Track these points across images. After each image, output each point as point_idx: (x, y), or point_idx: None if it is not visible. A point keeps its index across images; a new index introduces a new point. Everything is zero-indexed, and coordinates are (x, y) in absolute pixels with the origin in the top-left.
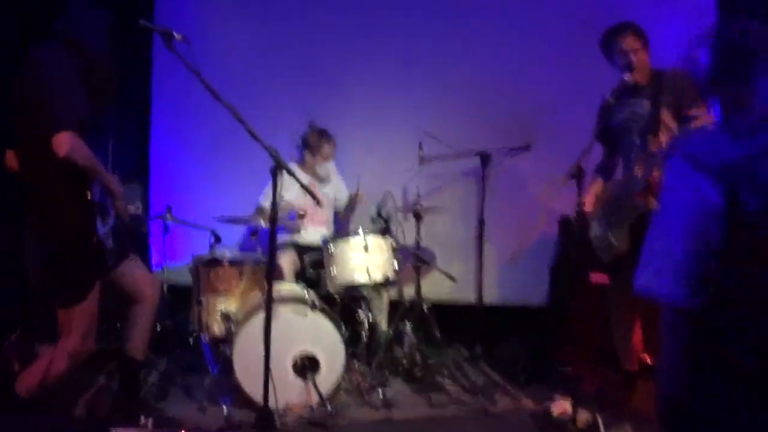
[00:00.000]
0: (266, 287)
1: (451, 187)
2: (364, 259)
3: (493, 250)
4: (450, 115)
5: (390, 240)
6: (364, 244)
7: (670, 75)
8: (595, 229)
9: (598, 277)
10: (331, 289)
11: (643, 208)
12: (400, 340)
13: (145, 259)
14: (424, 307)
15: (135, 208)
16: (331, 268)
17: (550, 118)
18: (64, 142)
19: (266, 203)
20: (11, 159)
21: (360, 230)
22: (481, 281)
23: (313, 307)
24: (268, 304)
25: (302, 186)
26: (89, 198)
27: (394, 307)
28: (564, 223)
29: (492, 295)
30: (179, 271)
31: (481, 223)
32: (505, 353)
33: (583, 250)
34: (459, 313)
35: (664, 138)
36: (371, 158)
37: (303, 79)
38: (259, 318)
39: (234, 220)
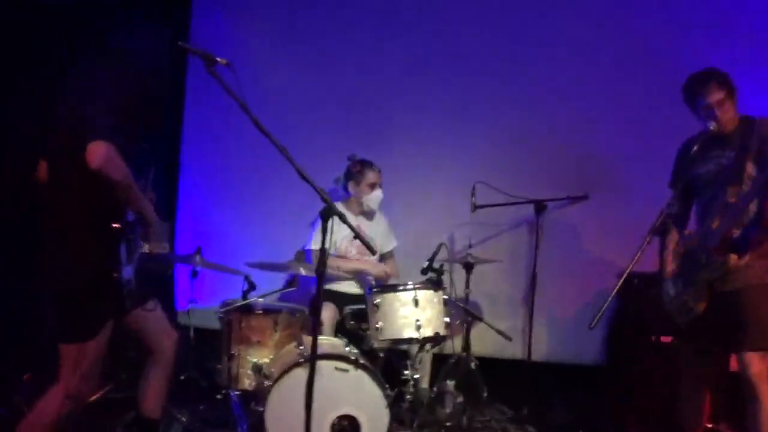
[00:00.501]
0: (310, 340)
1: (502, 238)
2: (414, 314)
3: (545, 304)
4: (505, 162)
5: (441, 294)
6: (414, 298)
7: (759, 125)
8: (669, 289)
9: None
10: (375, 343)
11: (720, 266)
12: (442, 399)
13: (169, 305)
14: (472, 364)
15: (163, 247)
16: (377, 322)
17: (607, 168)
18: (100, 152)
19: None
20: (43, 170)
21: (410, 284)
22: (530, 336)
23: (356, 364)
24: (313, 359)
25: (356, 235)
26: (118, 226)
27: (437, 362)
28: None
29: (541, 351)
30: (206, 314)
31: (533, 275)
32: (556, 415)
33: (649, 308)
34: (505, 370)
35: (746, 189)
36: (421, 206)
37: (348, 120)
38: (297, 374)
39: (271, 267)
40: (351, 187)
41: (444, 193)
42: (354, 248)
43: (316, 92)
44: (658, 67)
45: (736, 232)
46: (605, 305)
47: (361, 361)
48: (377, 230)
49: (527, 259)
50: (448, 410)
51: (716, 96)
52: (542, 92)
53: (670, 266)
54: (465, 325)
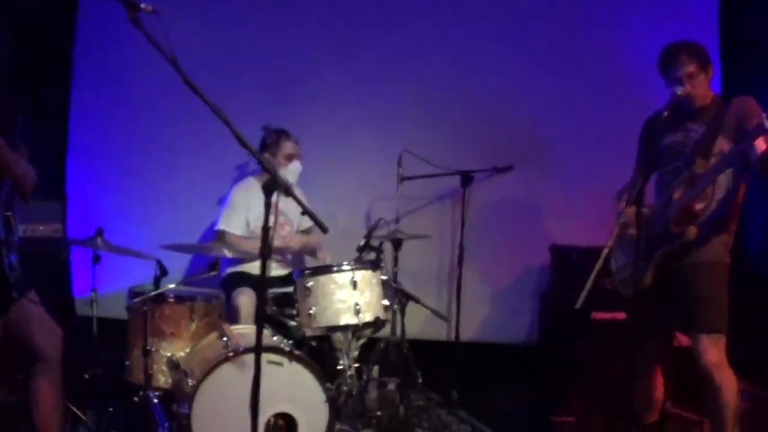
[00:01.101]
0: (232, 330)
1: (427, 211)
2: (352, 297)
3: (472, 281)
4: (430, 131)
5: (380, 274)
6: (352, 279)
7: (736, 103)
8: (618, 258)
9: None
10: (307, 332)
11: (677, 238)
12: (379, 387)
13: (64, 293)
14: (405, 348)
15: (53, 230)
16: (310, 308)
17: (533, 138)
18: None
19: (230, 228)
20: None
21: (347, 264)
22: (458, 315)
23: (291, 356)
24: (258, 352)
25: (304, 210)
26: None
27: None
28: (557, 250)
29: (469, 331)
30: (109, 302)
31: (461, 250)
32: (487, 399)
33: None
34: (430, 352)
35: (713, 163)
36: (343, 177)
37: (263, 84)
38: (225, 370)
39: (191, 249)
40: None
41: (367, 163)
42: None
43: (230, 52)
44: (589, 35)
45: (699, 206)
46: (589, 282)
47: (297, 353)
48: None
49: (452, 234)
50: (375, 397)
51: (687, 68)
52: (469, 59)
53: (621, 234)
54: (398, 306)
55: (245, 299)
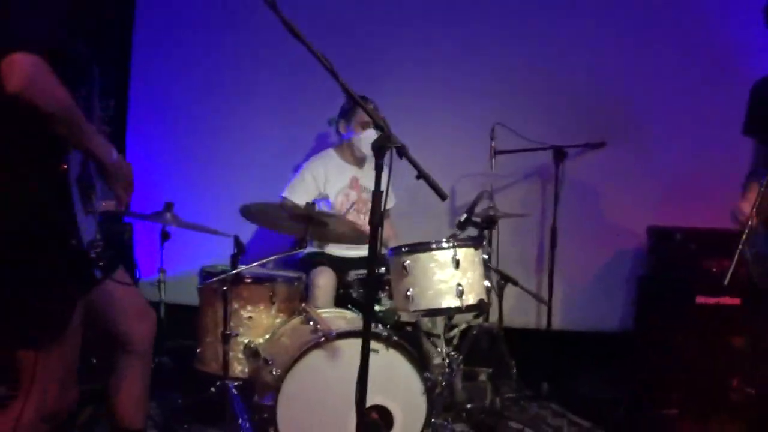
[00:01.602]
0: (319, 313)
1: (519, 188)
2: (454, 277)
3: (563, 265)
4: (520, 107)
5: (482, 252)
6: (454, 257)
7: None
8: (758, 246)
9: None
10: (404, 316)
11: None
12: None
13: (129, 275)
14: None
15: (115, 204)
16: (407, 289)
17: (627, 115)
18: (22, 68)
19: (293, 198)
20: None
21: (447, 240)
22: (550, 301)
23: (389, 342)
24: (366, 333)
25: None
26: (65, 169)
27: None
28: (656, 232)
29: (560, 319)
30: (179, 285)
31: (554, 232)
32: (581, 391)
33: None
34: (519, 340)
35: None
36: (430, 151)
37: (345, 55)
38: (315, 357)
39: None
40: (341, 126)
41: (455, 137)
42: (349, 203)
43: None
44: (686, 17)
45: None
46: (735, 259)
47: (395, 339)
48: (368, 178)
49: (542, 215)
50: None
51: None
52: (560, 31)
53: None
54: (496, 290)
55: (324, 280)
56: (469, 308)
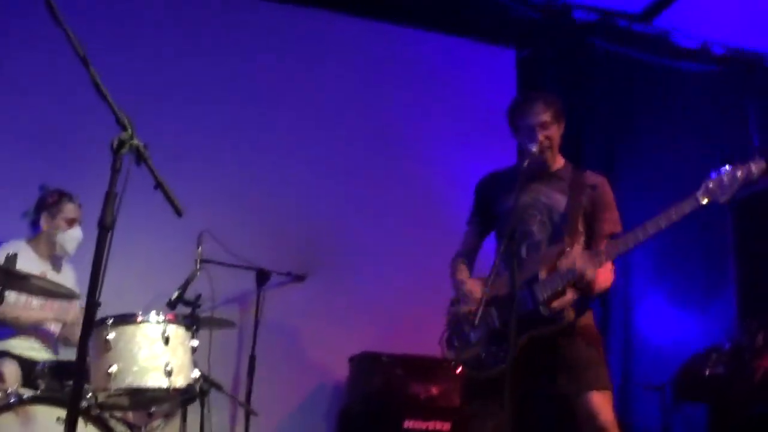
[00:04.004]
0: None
1: (227, 302)
2: (163, 354)
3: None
4: (230, 222)
5: (191, 336)
6: (164, 334)
7: (593, 187)
8: (469, 334)
9: None
10: (101, 396)
11: (554, 322)
12: None
13: None
14: None
15: None
16: (110, 365)
17: (333, 245)
18: None
19: None
20: None
21: (155, 314)
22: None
23: (88, 415)
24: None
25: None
26: None
27: None
28: (360, 361)
29: None
30: None
31: (251, 359)
32: None
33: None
34: None
35: (578, 247)
36: (135, 252)
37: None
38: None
39: None
40: (44, 220)
41: (168, 239)
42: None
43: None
44: (389, 153)
45: (573, 296)
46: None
47: (96, 413)
48: (64, 284)
49: (241, 341)
50: None
51: (542, 117)
52: (269, 155)
53: (471, 308)
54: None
55: (9, 367)
56: (178, 391)
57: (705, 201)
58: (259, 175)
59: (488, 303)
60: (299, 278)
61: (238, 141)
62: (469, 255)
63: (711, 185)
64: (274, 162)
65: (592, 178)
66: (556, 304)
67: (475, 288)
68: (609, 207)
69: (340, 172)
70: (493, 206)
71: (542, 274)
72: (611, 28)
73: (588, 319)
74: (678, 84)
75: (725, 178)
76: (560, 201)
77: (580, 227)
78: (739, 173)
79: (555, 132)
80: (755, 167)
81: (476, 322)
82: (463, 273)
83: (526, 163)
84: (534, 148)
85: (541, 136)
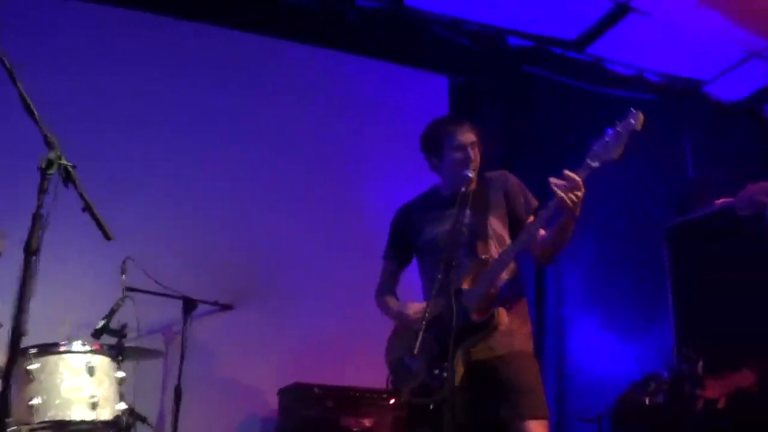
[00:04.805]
0: None
1: (153, 331)
2: (88, 386)
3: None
4: (156, 247)
5: (118, 367)
6: (88, 364)
7: (496, 179)
8: (409, 365)
9: None
10: (23, 430)
11: (486, 326)
12: None
13: None
14: None
15: None
16: (32, 397)
17: (260, 278)
18: None
19: None
20: None
21: (80, 344)
22: None
23: None
24: None
25: (87, 206)
26: None
27: None
28: (290, 393)
29: None
30: None
31: (177, 392)
32: None
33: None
34: None
35: (495, 249)
36: (56, 279)
37: None
38: None
39: None
40: None
41: (90, 266)
42: None
43: None
44: (320, 183)
45: (494, 291)
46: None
47: None
48: None
49: (167, 370)
50: None
51: (470, 137)
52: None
53: (406, 342)
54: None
55: None
56: (104, 425)
57: (596, 164)
58: (186, 200)
59: (425, 330)
60: (226, 307)
61: (164, 165)
62: (391, 289)
63: (596, 148)
64: (203, 187)
65: (493, 174)
66: (482, 303)
67: (416, 309)
68: (522, 189)
69: (271, 198)
70: (416, 238)
71: (465, 285)
72: (546, 55)
73: (527, 345)
74: (614, 112)
75: (608, 139)
76: (477, 217)
77: (491, 230)
78: (619, 128)
79: (477, 154)
80: (633, 118)
81: (416, 351)
82: (392, 301)
83: (464, 189)
84: (470, 173)
85: (473, 155)
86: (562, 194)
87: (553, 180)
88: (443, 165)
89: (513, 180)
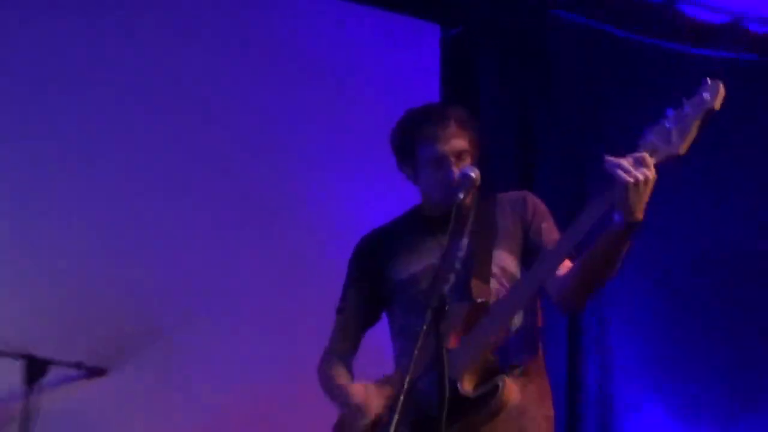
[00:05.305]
0: None
1: None
2: None
3: None
4: None
5: None
6: None
7: (515, 201)
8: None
9: None
10: None
11: (493, 401)
12: None
13: None
14: None
15: None
16: None
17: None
18: None
19: None
20: None
21: None
22: None
23: None
24: None
25: None
26: None
27: None
28: None
29: None
30: None
31: None
32: None
33: None
34: None
35: (498, 292)
36: None
37: None
38: None
39: None
40: None
41: None
42: None
43: None
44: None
45: (497, 348)
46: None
47: None
48: None
49: None
50: None
51: (457, 143)
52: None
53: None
54: None
55: None
56: None
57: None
58: (36, 227)
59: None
60: (96, 372)
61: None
62: (345, 354)
63: (652, 138)
64: (52, 196)
65: (507, 195)
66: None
67: (370, 396)
68: (547, 217)
69: (165, 201)
70: (391, 274)
71: (451, 343)
72: None
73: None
74: (691, 81)
75: (669, 124)
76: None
77: (498, 264)
78: (687, 108)
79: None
80: (708, 91)
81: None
82: (343, 377)
83: (454, 214)
84: (461, 194)
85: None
86: (624, 174)
87: (608, 158)
88: (420, 181)
89: (535, 203)
